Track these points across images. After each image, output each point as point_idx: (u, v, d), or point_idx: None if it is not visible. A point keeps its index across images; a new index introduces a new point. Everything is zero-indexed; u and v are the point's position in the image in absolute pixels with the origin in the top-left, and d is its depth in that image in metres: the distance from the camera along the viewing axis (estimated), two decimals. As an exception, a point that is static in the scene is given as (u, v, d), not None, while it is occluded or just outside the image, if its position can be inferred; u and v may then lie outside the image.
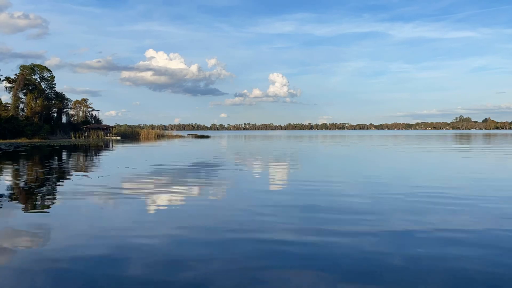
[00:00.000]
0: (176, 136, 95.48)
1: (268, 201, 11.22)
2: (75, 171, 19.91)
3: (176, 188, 13.57)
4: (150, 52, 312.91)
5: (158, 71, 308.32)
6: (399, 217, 9.01)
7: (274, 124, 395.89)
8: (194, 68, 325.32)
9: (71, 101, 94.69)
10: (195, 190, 13.33)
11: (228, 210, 10.06)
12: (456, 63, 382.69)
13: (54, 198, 11.96)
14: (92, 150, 41.06)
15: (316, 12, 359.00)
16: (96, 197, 11.87)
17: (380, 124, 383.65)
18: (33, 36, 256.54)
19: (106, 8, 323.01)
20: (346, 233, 7.64)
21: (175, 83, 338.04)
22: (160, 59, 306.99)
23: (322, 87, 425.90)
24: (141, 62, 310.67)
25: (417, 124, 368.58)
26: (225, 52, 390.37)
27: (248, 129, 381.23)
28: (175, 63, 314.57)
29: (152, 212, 9.91)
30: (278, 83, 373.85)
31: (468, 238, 7.28)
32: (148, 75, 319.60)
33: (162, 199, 11.54)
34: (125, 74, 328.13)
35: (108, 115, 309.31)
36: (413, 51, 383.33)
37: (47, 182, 15.21)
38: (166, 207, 10.48)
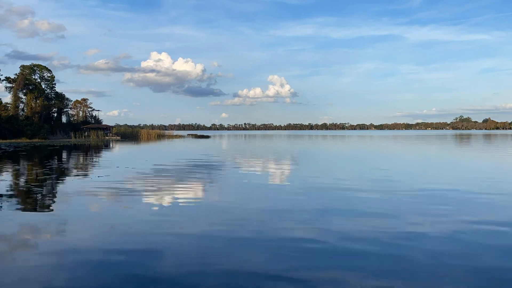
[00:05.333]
0: (176, 136, 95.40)
1: (281, 199, 11.17)
2: (76, 171, 19.84)
3: (178, 188, 13.51)
4: (155, 54, 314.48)
5: (162, 72, 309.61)
6: (416, 215, 9.03)
7: (274, 124, 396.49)
8: (198, 69, 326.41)
9: (71, 101, 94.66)
10: (199, 189, 13.26)
11: (238, 209, 10.00)
12: (465, 64, 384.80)
13: (55, 198, 11.91)
14: (92, 150, 41.01)
15: (337, 16, 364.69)
16: (97, 197, 11.80)
17: (380, 124, 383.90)
18: (48, 39, 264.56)
19: (136, 13, 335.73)
20: (364, 231, 7.61)
21: (177, 84, 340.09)
22: (166, 61, 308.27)
23: (330, 88, 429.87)
24: (145, 64, 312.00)
25: (417, 124, 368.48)
26: (240, 54, 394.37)
27: (248, 129, 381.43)
28: (180, 65, 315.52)
29: (156, 210, 9.84)
30: (278, 84, 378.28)
31: (484, 235, 7.28)
32: (151, 76, 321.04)
33: (165, 198, 11.48)
34: (128, 75, 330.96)
35: (111, 115, 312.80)
36: (425, 53, 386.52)
37: (47, 182, 15.15)
38: (169, 206, 10.41)
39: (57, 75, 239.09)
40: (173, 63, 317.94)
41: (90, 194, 12.22)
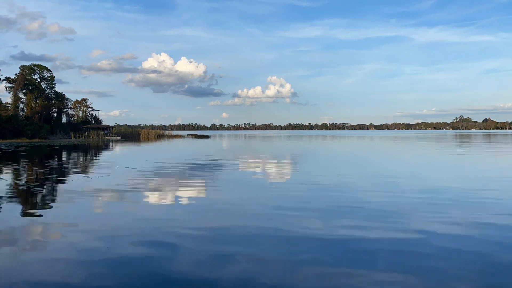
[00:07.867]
0: (176, 136, 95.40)
1: (285, 198, 11.09)
2: (76, 171, 19.79)
3: (179, 187, 13.45)
4: (154, 55, 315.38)
5: (164, 73, 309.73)
6: (424, 213, 9.13)
7: (274, 124, 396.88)
8: (200, 69, 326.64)
9: (71, 101, 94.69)
10: (201, 188, 13.19)
11: (243, 208, 9.98)
12: (469, 65, 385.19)
13: (55, 199, 11.83)
14: (92, 150, 40.96)
15: (347, 18, 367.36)
16: (98, 197, 11.74)
17: (380, 124, 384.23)
18: (55, 41, 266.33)
19: (149, 15, 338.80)
20: (372, 231, 7.57)
21: (178, 84, 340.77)
22: (168, 61, 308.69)
23: (334, 88, 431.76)
24: (147, 64, 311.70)
25: (417, 124, 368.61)
26: (246, 55, 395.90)
27: (248, 129, 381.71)
28: (182, 65, 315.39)
29: (158, 210, 9.77)
30: (278, 84, 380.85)
31: (494, 232, 7.32)
32: (153, 76, 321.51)
33: (167, 198, 11.42)
34: (130, 75, 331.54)
35: (112, 115, 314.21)
36: (430, 54, 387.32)
37: (47, 183, 15.08)
38: (172, 206, 10.35)
39: (60, 75, 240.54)
40: (174, 63, 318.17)
41: (90, 194, 12.16)
